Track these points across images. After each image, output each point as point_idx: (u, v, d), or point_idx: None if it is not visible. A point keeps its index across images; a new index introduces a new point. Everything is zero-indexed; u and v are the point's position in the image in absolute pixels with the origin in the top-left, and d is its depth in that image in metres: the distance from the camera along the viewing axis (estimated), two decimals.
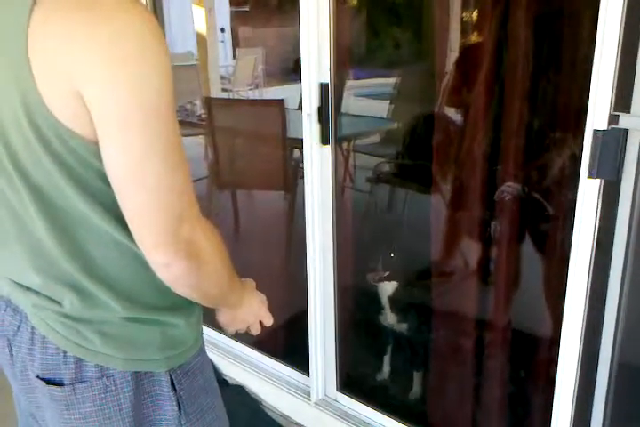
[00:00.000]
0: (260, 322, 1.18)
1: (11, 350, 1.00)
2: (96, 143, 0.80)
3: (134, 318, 0.95)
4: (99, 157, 0.81)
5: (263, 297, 1.18)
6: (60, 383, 0.95)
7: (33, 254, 0.93)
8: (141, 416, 0.99)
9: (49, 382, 0.95)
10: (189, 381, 1.02)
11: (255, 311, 1.15)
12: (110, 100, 0.77)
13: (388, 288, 2.17)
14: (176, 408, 1.00)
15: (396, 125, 3.77)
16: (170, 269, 0.86)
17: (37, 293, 0.95)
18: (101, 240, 0.90)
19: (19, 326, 0.97)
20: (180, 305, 0.99)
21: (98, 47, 0.75)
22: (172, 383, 0.99)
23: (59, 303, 0.93)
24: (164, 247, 0.83)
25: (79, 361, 0.93)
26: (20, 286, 0.97)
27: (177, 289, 0.92)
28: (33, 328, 0.95)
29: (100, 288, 0.92)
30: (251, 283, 1.16)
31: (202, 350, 1.08)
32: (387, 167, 3.58)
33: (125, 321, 0.95)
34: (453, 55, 2.06)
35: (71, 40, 0.75)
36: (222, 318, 1.13)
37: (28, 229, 0.91)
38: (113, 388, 0.95)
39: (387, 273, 2.12)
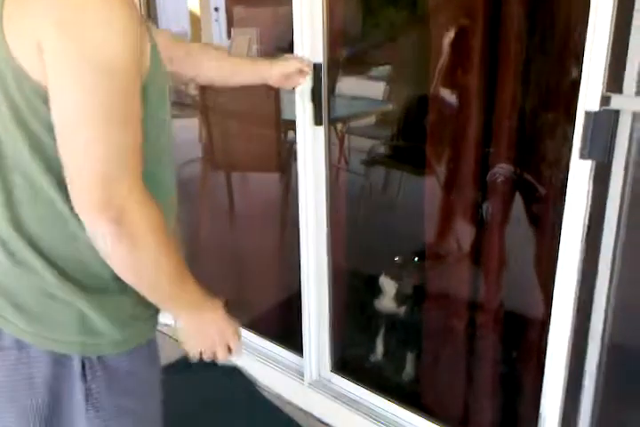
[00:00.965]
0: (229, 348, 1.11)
1: None
2: (46, 90, 0.82)
3: (58, 297, 0.94)
4: (47, 103, 0.83)
5: (237, 326, 1.11)
6: None
7: None
8: (57, 395, 0.98)
9: None
10: (108, 376, 0.99)
11: (221, 328, 1.08)
12: (63, 55, 0.80)
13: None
14: (80, 397, 0.98)
15: (391, 107, 3.75)
16: (98, 232, 0.86)
17: None
18: (37, 197, 0.91)
19: None
20: (112, 293, 0.97)
21: (61, 10, 0.79)
22: (84, 372, 0.97)
23: None
24: (97, 207, 0.83)
25: None
26: None
27: (116, 269, 0.91)
28: None
29: (32, 252, 0.92)
30: (217, 302, 1.08)
31: (139, 353, 1.03)
32: (382, 149, 3.57)
33: (46, 298, 0.94)
34: (449, 36, 2.04)
35: (39, 4, 0.80)
36: (182, 324, 1.05)
37: None
38: (26, 360, 0.96)
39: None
